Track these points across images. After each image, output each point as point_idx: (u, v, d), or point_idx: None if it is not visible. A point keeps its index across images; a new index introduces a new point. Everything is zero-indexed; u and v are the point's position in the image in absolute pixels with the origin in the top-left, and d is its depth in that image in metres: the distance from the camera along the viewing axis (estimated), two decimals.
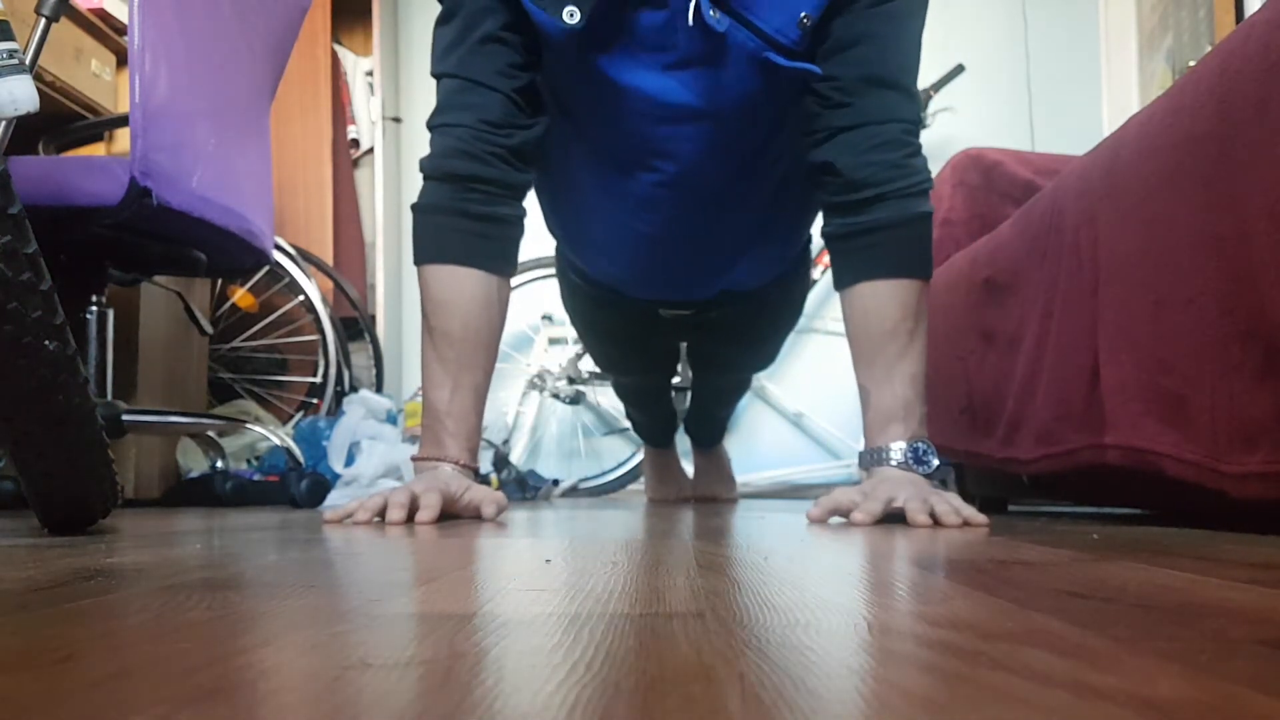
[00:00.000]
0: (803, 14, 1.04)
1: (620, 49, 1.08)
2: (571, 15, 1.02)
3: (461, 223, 1.10)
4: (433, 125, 1.12)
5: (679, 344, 1.78)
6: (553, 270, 2.76)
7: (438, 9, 1.12)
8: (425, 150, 1.13)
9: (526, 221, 1.16)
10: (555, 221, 1.41)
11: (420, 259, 1.12)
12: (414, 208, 1.13)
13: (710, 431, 2.03)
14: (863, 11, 1.05)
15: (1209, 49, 1.23)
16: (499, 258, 1.12)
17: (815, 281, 2.86)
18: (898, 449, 1.04)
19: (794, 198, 1.30)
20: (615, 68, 1.09)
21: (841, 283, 1.11)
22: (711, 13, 1.03)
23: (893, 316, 1.06)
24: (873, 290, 1.07)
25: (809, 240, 1.52)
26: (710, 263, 1.36)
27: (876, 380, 1.07)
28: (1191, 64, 1.45)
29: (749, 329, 1.59)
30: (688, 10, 1.03)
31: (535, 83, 1.13)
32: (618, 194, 1.24)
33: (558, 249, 1.56)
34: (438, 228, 1.10)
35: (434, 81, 1.13)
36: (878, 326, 1.07)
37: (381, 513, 1.01)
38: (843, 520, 1.02)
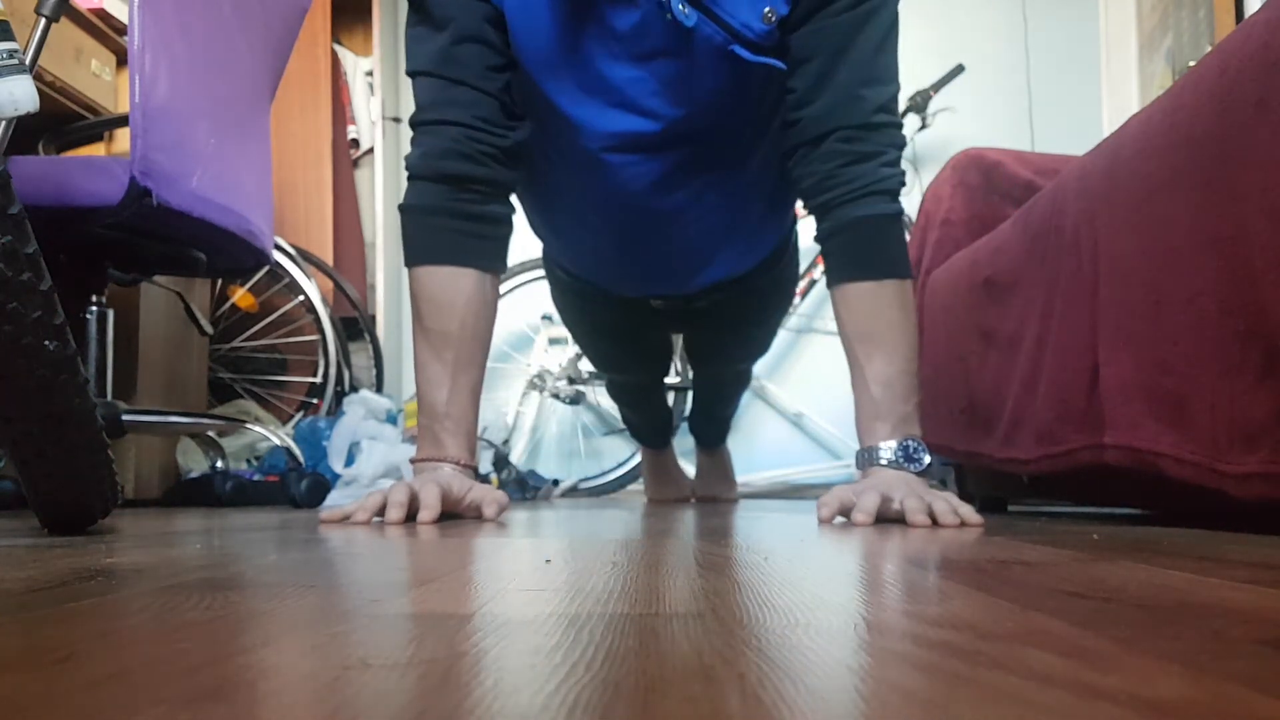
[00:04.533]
0: (767, 8, 1.05)
1: (591, 40, 1.09)
2: None
3: (455, 223, 1.11)
4: (418, 123, 1.12)
5: (671, 336, 1.77)
6: None
7: None
8: None
9: (521, 220, 1.17)
10: (536, 220, 1.41)
11: (413, 260, 1.12)
12: (403, 208, 1.14)
13: (714, 431, 2.03)
14: (825, 20, 1.06)
15: (1209, 49, 1.23)
16: (492, 256, 1.14)
17: (815, 282, 2.86)
18: (887, 449, 1.05)
19: (772, 185, 1.30)
20: (586, 59, 1.10)
21: (827, 283, 1.13)
22: (680, 7, 1.04)
23: (862, 318, 1.08)
24: (843, 293, 1.09)
25: (793, 223, 1.52)
26: (694, 255, 1.36)
27: (857, 381, 1.09)
28: (1191, 64, 1.45)
29: (740, 316, 1.59)
30: (657, 10, 1.04)
31: (513, 83, 1.13)
32: (593, 192, 1.24)
33: (544, 249, 1.56)
34: (431, 228, 1.11)
35: None
36: (850, 329, 1.09)
37: (380, 511, 1.01)
38: (843, 520, 1.02)
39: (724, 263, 1.40)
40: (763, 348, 1.76)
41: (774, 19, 1.06)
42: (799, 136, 1.11)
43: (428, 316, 1.11)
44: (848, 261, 1.10)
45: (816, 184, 1.11)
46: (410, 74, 1.14)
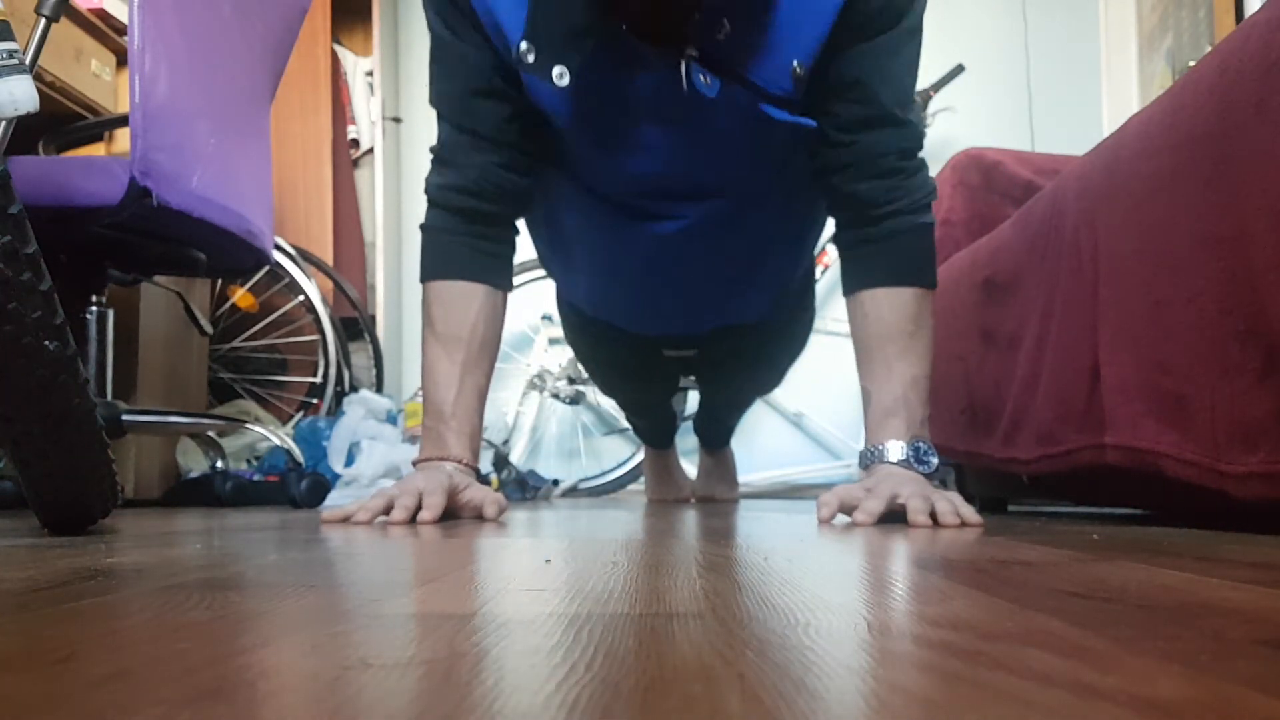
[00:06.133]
0: (795, 63, 1.04)
1: (610, 101, 1.09)
2: (561, 76, 1.02)
3: (470, 242, 1.15)
4: (438, 158, 1.16)
5: (684, 374, 1.80)
6: None
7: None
8: (425, 150, 1.15)
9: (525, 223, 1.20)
10: (550, 259, 1.43)
11: (429, 274, 1.16)
12: (422, 228, 1.18)
13: (719, 434, 2.03)
14: (856, 52, 1.06)
15: (1209, 49, 1.23)
16: (502, 275, 1.18)
17: (816, 280, 2.86)
18: (897, 447, 1.05)
19: (794, 228, 1.31)
20: (606, 121, 1.11)
21: (847, 289, 1.14)
22: (703, 78, 1.03)
23: (892, 320, 1.09)
24: (872, 297, 1.11)
25: (811, 268, 1.53)
26: (709, 298, 1.38)
27: (876, 380, 1.10)
28: (1191, 64, 1.45)
29: (753, 360, 1.62)
30: (679, 75, 1.03)
31: (529, 129, 1.14)
32: (610, 236, 1.26)
33: (557, 289, 1.58)
34: (447, 245, 1.15)
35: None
36: (877, 330, 1.10)
37: (384, 511, 1.01)
38: (846, 520, 1.02)
39: (745, 305, 1.42)
40: (774, 384, 1.81)
41: (801, 72, 1.05)
42: (847, 158, 1.10)
43: (440, 321, 1.14)
44: (891, 267, 1.11)
45: (876, 196, 1.10)
46: (431, 105, 1.17)
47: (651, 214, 1.21)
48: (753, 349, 1.57)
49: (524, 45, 1.02)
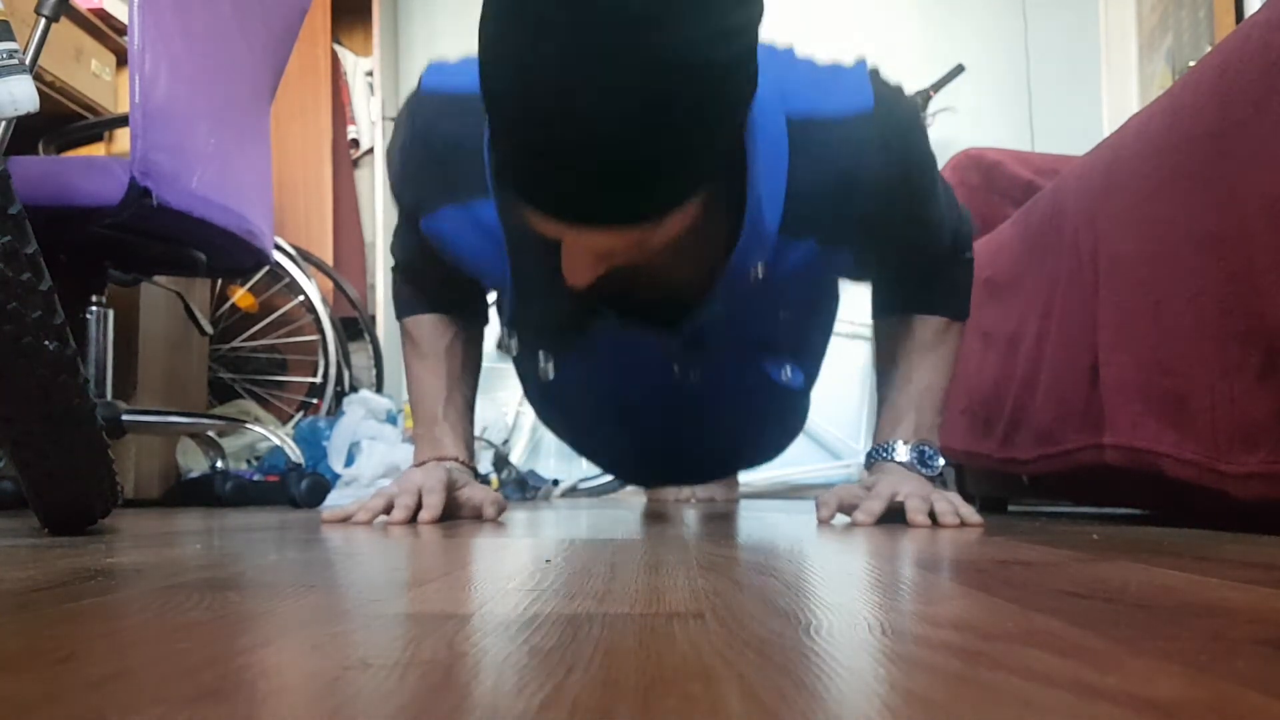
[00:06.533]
0: (780, 314, 1.03)
1: (597, 369, 1.11)
2: (546, 369, 1.01)
3: (442, 286, 1.16)
4: (396, 261, 1.17)
5: None
6: None
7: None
8: None
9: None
10: (538, 411, 1.44)
11: (405, 312, 1.17)
12: (393, 270, 1.19)
13: None
14: (890, 240, 0.99)
15: (1209, 49, 1.23)
16: (477, 314, 1.20)
17: None
18: (903, 448, 1.05)
19: (792, 396, 1.30)
20: (592, 377, 1.13)
21: (877, 310, 1.15)
22: (691, 375, 1.03)
23: (917, 337, 1.10)
24: (903, 319, 1.12)
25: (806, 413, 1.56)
26: (706, 461, 1.43)
27: (893, 386, 1.10)
28: (1191, 64, 1.45)
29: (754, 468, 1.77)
30: (668, 349, 1.02)
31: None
32: (600, 411, 1.28)
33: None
34: (421, 288, 1.16)
35: None
36: (903, 345, 1.11)
37: (384, 511, 1.01)
38: (846, 520, 1.02)
39: (742, 459, 1.49)
40: None
41: (787, 318, 1.04)
42: (906, 291, 1.12)
43: (423, 344, 1.15)
44: (925, 298, 1.11)
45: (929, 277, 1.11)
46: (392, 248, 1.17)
47: (638, 401, 1.22)
48: (752, 466, 1.70)
49: (505, 333, 1.01)
